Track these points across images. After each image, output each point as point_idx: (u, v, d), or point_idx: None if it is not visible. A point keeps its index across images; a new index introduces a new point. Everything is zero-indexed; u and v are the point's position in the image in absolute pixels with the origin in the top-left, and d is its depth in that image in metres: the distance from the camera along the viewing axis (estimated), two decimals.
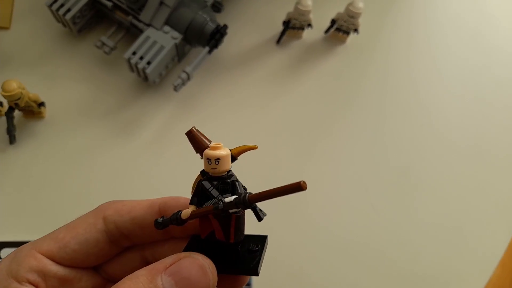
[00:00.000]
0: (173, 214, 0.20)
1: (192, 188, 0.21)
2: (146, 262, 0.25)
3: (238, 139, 0.48)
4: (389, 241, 0.45)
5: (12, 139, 0.46)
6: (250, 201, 0.18)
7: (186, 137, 0.20)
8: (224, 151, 0.19)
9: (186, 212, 0.20)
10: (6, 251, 0.43)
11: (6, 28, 0.50)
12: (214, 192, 0.20)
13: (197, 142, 0.20)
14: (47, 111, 0.47)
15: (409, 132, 0.50)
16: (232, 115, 0.49)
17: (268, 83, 0.51)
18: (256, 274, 0.20)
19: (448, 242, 0.45)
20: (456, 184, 0.48)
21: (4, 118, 0.46)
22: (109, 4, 0.46)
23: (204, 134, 0.21)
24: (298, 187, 0.16)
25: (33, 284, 0.21)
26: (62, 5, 0.46)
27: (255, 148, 0.21)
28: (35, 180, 0.45)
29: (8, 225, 0.43)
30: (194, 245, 0.22)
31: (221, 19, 0.49)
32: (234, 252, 0.21)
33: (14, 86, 0.41)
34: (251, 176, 0.47)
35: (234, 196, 0.18)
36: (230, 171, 0.20)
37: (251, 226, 0.22)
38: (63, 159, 0.46)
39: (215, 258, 0.20)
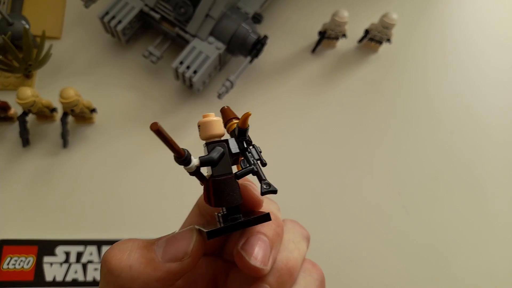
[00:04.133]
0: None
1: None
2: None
3: (275, 144, 0.50)
4: (421, 243, 0.47)
5: (65, 143, 0.49)
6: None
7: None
8: (206, 118, 0.21)
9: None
10: (61, 249, 0.45)
11: (58, 38, 0.53)
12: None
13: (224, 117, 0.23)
14: (96, 116, 0.50)
15: (440, 138, 0.52)
16: (269, 121, 0.51)
17: (304, 90, 0.53)
18: (205, 238, 0.20)
19: (482, 246, 0.47)
20: (488, 187, 0.49)
21: (58, 123, 0.49)
22: (157, 16, 0.49)
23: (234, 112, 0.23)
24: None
25: None
26: (113, 17, 0.49)
27: (249, 114, 0.21)
28: (86, 182, 0.48)
29: (62, 223, 0.46)
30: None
31: (260, 29, 0.52)
32: (218, 218, 0.22)
33: (71, 93, 0.44)
34: (288, 181, 0.50)
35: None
36: (224, 140, 0.22)
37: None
38: (112, 162, 0.49)
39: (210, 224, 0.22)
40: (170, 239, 0.21)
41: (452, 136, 0.52)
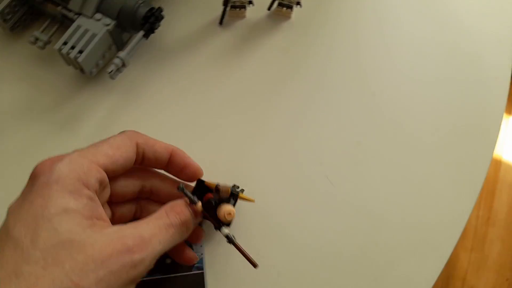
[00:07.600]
0: (194, 197, 0.31)
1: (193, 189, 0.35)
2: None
3: (186, 124, 0.46)
4: (347, 212, 0.43)
5: None
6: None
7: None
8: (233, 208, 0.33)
9: (200, 207, 0.31)
10: None
11: None
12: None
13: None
14: None
15: (359, 104, 0.48)
16: (179, 101, 0.47)
17: (214, 65, 0.49)
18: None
19: (410, 209, 0.43)
20: (414, 149, 0.46)
21: None
22: None
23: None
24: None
25: (95, 193, 0.27)
26: None
27: (253, 201, 0.37)
28: None
29: None
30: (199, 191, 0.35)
31: (160, 3, 0.48)
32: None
33: None
34: (203, 159, 0.45)
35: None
36: None
37: None
38: (2, 163, 0.44)
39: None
40: None
41: (374, 98, 0.48)
